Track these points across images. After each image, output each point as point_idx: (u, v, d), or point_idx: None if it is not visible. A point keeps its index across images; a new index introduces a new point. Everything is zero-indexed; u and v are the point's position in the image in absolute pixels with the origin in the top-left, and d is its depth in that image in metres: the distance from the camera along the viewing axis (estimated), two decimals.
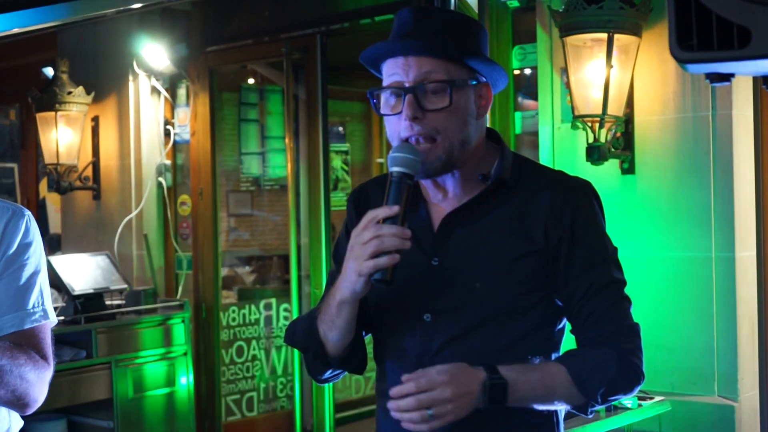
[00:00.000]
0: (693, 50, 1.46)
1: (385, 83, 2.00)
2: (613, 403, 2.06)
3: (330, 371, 2.10)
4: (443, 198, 2.03)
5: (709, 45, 1.45)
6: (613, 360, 1.92)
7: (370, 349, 2.12)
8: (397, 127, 1.95)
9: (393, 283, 1.87)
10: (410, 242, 1.86)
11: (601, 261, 1.99)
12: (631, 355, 1.95)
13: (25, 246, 2.20)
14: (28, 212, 2.25)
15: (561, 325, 2.05)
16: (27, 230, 2.22)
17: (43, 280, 2.23)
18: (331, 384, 5.60)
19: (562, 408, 1.99)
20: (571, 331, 2.04)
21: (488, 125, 2.14)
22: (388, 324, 2.06)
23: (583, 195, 2.02)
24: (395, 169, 1.89)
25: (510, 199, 2.00)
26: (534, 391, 1.88)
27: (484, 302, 1.95)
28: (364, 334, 2.11)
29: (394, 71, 1.96)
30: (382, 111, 1.98)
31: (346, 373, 2.11)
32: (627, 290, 2.02)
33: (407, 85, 1.94)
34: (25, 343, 2.15)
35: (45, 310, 2.21)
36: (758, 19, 1.41)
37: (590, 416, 2.01)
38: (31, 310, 2.18)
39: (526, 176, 2.03)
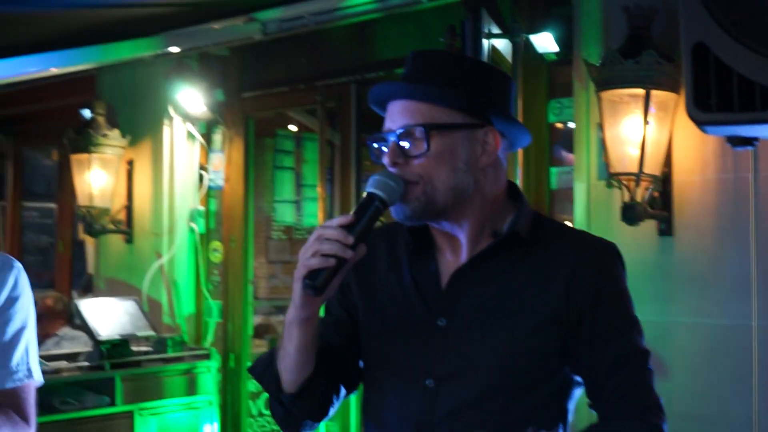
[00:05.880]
0: (712, 111, 1.35)
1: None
2: None
3: (299, 424, 1.93)
4: (454, 254, 1.90)
5: (730, 106, 1.34)
6: None
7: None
8: None
9: (322, 293, 1.74)
10: (351, 252, 1.73)
11: (628, 330, 1.85)
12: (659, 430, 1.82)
13: (12, 300, 2.12)
14: (18, 264, 2.17)
15: (573, 398, 1.91)
16: (16, 283, 2.13)
17: (30, 337, 2.14)
18: None
19: None
20: (591, 406, 1.88)
21: (518, 179, 2.03)
22: (383, 385, 1.92)
23: (608, 257, 1.90)
24: (369, 189, 1.80)
25: (527, 259, 1.86)
26: None
27: (495, 371, 1.80)
28: (344, 390, 1.98)
29: (387, 117, 1.89)
30: (376, 159, 1.89)
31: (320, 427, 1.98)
32: (663, 357, 1.90)
33: (393, 130, 1.85)
34: (5, 402, 2.05)
35: (30, 369, 2.12)
36: None
37: None
38: (14, 368, 2.09)
39: (546, 235, 1.90)
